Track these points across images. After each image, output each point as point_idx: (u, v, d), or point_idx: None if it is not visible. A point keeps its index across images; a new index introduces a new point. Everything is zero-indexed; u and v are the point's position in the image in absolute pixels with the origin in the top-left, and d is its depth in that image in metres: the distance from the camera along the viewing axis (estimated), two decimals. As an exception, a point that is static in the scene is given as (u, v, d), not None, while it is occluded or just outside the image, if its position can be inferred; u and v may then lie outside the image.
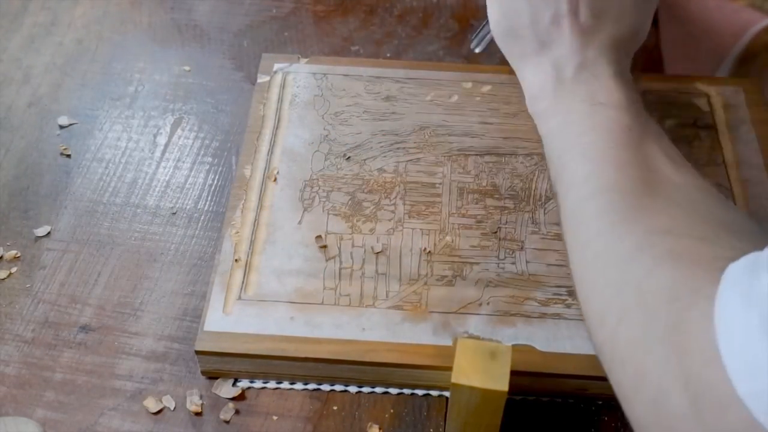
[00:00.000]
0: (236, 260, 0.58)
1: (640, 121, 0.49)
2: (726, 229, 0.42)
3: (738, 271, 0.35)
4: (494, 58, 0.76)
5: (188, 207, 0.65)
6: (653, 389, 0.37)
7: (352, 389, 0.55)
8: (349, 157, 0.64)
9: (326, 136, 0.66)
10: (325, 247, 0.59)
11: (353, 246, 0.59)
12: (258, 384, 0.55)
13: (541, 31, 0.52)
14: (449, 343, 0.54)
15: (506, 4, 0.54)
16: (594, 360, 0.53)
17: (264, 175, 0.63)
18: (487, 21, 0.58)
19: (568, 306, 0.56)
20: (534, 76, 0.53)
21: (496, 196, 0.62)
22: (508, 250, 0.59)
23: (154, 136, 0.70)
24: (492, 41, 0.59)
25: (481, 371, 0.47)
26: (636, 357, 0.38)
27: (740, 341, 0.32)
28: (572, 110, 0.50)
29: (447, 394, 0.54)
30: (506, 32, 0.55)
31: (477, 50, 0.64)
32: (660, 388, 0.36)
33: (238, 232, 0.60)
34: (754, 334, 0.32)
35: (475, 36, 0.64)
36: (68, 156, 0.68)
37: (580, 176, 0.47)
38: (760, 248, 0.35)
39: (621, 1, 0.53)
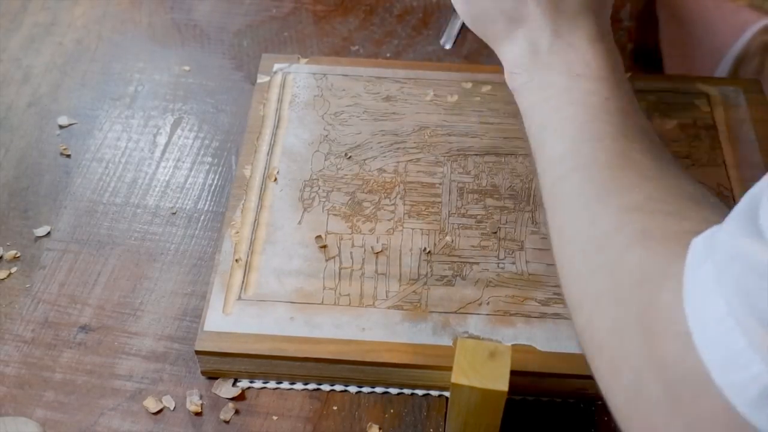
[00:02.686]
0: (236, 260, 0.58)
1: (618, 92, 0.48)
2: (696, 202, 0.41)
3: (701, 245, 0.34)
4: (494, 58, 0.76)
5: (188, 207, 0.65)
6: (629, 376, 0.36)
7: (352, 389, 0.55)
8: (350, 156, 0.64)
9: (326, 136, 0.66)
10: (325, 247, 0.59)
11: (353, 246, 0.59)
12: (258, 384, 0.55)
13: (506, 7, 0.51)
14: (449, 343, 0.54)
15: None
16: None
17: (264, 175, 0.63)
18: (454, 14, 0.58)
19: (568, 306, 0.56)
20: (509, 51, 0.52)
21: (496, 196, 0.62)
22: (508, 250, 0.59)
23: (154, 136, 0.70)
24: (460, 35, 0.59)
25: (481, 371, 0.47)
26: (611, 343, 0.38)
27: (713, 329, 0.32)
28: (549, 84, 0.49)
29: (447, 394, 0.54)
30: (475, 17, 0.54)
31: (447, 46, 0.62)
32: (635, 375, 0.36)
33: (238, 232, 0.60)
34: (726, 322, 0.31)
35: (444, 31, 0.62)
36: (68, 156, 0.68)
37: (557, 154, 0.47)
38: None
39: None
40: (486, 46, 0.75)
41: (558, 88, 0.49)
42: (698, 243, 0.35)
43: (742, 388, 0.31)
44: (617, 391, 0.38)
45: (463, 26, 0.58)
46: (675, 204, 0.41)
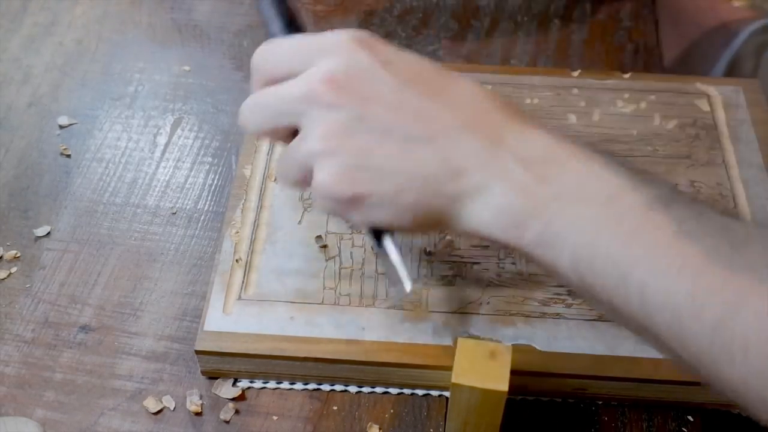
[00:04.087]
0: (236, 260, 0.58)
1: (651, 186, 0.39)
2: None
3: None
4: (494, 58, 0.77)
5: (188, 207, 0.65)
6: None
7: (352, 389, 0.55)
8: None
9: (326, 136, 0.66)
10: (325, 246, 0.59)
11: (353, 246, 0.59)
12: (258, 384, 0.55)
13: (447, 180, 0.40)
14: (449, 343, 0.54)
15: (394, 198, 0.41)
16: (594, 360, 0.53)
17: (264, 175, 0.63)
18: (383, 247, 0.45)
19: (568, 306, 0.56)
20: (488, 210, 0.40)
21: (496, 196, 0.62)
22: (508, 250, 0.59)
23: (154, 136, 0.70)
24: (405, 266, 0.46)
25: (481, 371, 0.47)
26: None
27: None
28: (580, 218, 0.38)
29: (447, 394, 0.54)
30: (425, 215, 0.41)
31: (408, 289, 0.45)
32: None
33: (238, 232, 0.60)
34: None
35: (393, 285, 0.51)
36: (68, 156, 0.68)
37: (683, 297, 0.36)
38: None
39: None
40: (485, 46, 0.76)
41: (603, 221, 0.38)
42: None
43: None
44: None
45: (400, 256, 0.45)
46: None
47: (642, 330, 0.39)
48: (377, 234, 0.45)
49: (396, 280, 0.45)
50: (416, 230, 0.44)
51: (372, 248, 0.47)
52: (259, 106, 0.45)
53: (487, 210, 0.40)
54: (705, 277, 0.36)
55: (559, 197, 0.39)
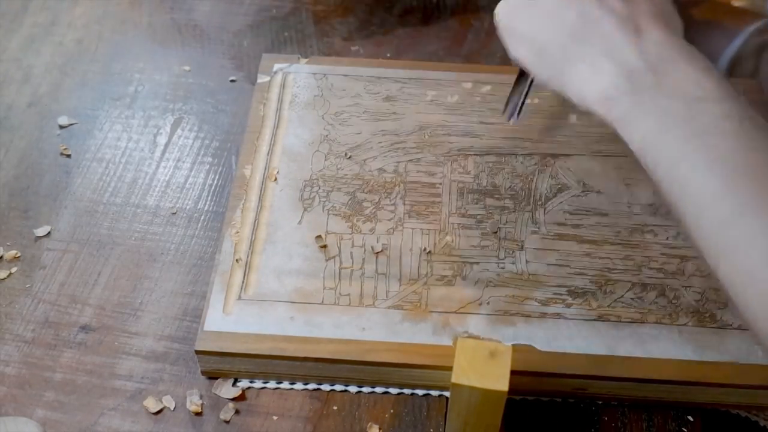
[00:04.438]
0: (237, 260, 0.58)
1: (745, 107, 0.43)
2: None
3: None
4: (494, 58, 0.77)
5: (188, 207, 0.65)
6: None
7: (352, 389, 0.55)
8: (350, 156, 0.64)
9: (326, 136, 0.66)
10: (325, 246, 0.59)
11: (353, 246, 0.59)
12: (258, 384, 0.55)
13: (579, 35, 0.47)
14: (449, 343, 0.54)
15: (534, 36, 0.49)
16: (594, 360, 0.53)
17: (264, 175, 0.63)
18: (517, 85, 0.55)
19: (568, 306, 0.56)
20: (598, 81, 0.46)
21: (496, 196, 0.62)
22: (508, 250, 0.59)
23: (154, 136, 0.70)
24: (524, 106, 0.56)
25: (481, 371, 0.47)
26: None
27: None
28: (663, 111, 0.44)
29: (447, 394, 0.54)
30: (550, 67, 0.48)
31: (512, 122, 0.58)
32: None
33: (238, 232, 0.60)
34: None
35: (507, 106, 0.57)
36: (68, 156, 0.68)
37: (710, 194, 0.41)
38: None
39: None
40: (485, 46, 0.76)
41: (678, 116, 0.43)
42: None
43: None
44: None
45: (527, 96, 0.56)
46: None
47: (673, 213, 0.44)
48: (522, 74, 0.55)
49: (511, 109, 0.56)
50: (544, 78, 0.50)
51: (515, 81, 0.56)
52: None
53: (595, 79, 0.46)
54: (733, 183, 0.41)
55: (655, 87, 0.44)
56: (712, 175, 0.41)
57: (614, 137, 0.68)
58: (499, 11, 0.51)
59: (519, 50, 0.50)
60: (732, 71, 0.78)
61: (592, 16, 0.47)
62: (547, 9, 0.49)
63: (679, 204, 0.43)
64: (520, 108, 0.56)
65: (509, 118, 0.57)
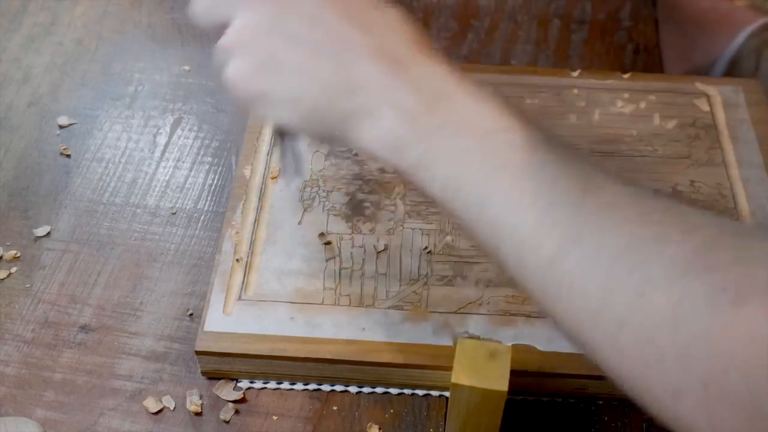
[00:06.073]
0: (237, 260, 0.58)
1: (537, 133, 0.40)
2: (723, 231, 0.36)
3: None
4: (494, 59, 0.77)
5: (188, 207, 0.65)
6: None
7: (352, 389, 0.55)
8: (356, 153, 0.64)
9: (326, 136, 0.66)
10: (329, 243, 0.59)
11: (353, 246, 0.59)
12: (258, 384, 0.55)
13: (340, 87, 0.42)
14: (449, 343, 0.54)
15: (294, 96, 0.44)
16: (594, 360, 0.53)
17: (264, 175, 0.63)
18: (281, 144, 0.49)
19: (568, 306, 0.56)
20: (376, 130, 0.42)
21: (496, 196, 0.62)
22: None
23: (154, 136, 0.70)
24: (297, 160, 0.50)
25: (481, 371, 0.47)
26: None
27: None
28: (459, 150, 0.40)
29: (447, 394, 0.54)
30: (308, 115, 0.44)
31: (295, 184, 0.56)
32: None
33: (238, 232, 0.60)
34: None
35: (283, 174, 0.54)
36: (68, 156, 0.68)
37: (527, 233, 0.38)
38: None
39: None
40: (485, 46, 0.76)
41: (473, 153, 0.40)
42: None
43: None
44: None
45: (297, 149, 0.50)
46: (721, 248, 0.34)
47: (493, 258, 0.41)
48: (281, 132, 0.49)
49: (290, 171, 0.50)
50: (316, 137, 0.47)
51: (273, 143, 0.54)
52: (203, 2, 0.48)
53: (375, 131, 0.42)
54: (550, 215, 0.38)
55: (441, 129, 0.41)
56: (523, 212, 0.38)
57: (614, 137, 0.68)
58: (235, 79, 0.45)
59: (281, 115, 0.44)
60: (732, 71, 0.78)
61: (346, 60, 0.42)
62: (294, 65, 0.43)
63: (500, 247, 0.39)
64: (298, 165, 0.50)
65: (288, 184, 0.54)
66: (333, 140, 0.45)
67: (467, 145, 0.40)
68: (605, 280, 0.36)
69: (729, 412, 0.32)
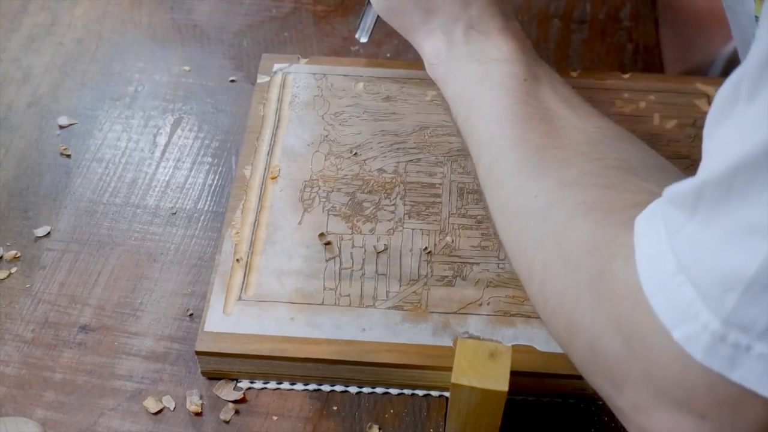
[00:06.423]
0: (237, 260, 0.58)
1: (534, 71, 0.52)
2: (630, 172, 0.43)
3: (647, 220, 0.37)
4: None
5: (188, 207, 0.65)
6: (587, 335, 0.38)
7: (352, 389, 0.55)
8: (356, 153, 0.64)
9: (326, 136, 0.66)
10: (329, 243, 0.59)
11: (353, 246, 0.59)
12: (258, 384, 0.55)
13: (427, 5, 0.55)
14: (449, 343, 0.54)
15: None
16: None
17: (264, 175, 0.63)
18: (368, 6, 0.62)
19: (568, 306, 0.56)
20: (427, 43, 0.56)
21: (496, 196, 0.62)
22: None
23: (154, 136, 0.70)
24: (375, 27, 0.63)
25: (481, 371, 0.47)
26: (566, 307, 0.40)
27: (665, 286, 0.34)
28: (468, 72, 0.53)
29: (447, 394, 0.54)
30: (390, 10, 0.58)
31: (363, 39, 0.65)
32: (593, 334, 0.38)
33: (238, 233, 0.60)
34: (675, 280, 0.33)
35: (358, 25, 0.65)
36: (68, 156, 0.68)
37: (487, 137, 0.50)
38: (665, 185, 0.37)
39: None
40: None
41: (477, 75, 0.53)
42: (645, 215, 0.37)
43: (695, 337, 0.33)
44: (577, 350, 0.40)
45: (378, 18, 0.61)
46: (610, 176, 0.43)
47: (476, 167, 0.52)
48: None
49: (361, 28, 0.64)
50: (391, 23, 0.59)
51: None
52: None
53: (428, 43, 0.56)
54: (506, 129, 0.49)
55: (467, 55, 0.54)
56: (490, 122, 0.50)
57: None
58: None
59: None
60: (730, 71, 0.78)
61: None
62: None
63: (472, 150, 0.52)
64: (372, 27, 0.64)
65: (360, 37, 0.64)
66: (404, 33, 0.58)
67: (476, 69, 0.53)
68: (517, 180, 0.46)
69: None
